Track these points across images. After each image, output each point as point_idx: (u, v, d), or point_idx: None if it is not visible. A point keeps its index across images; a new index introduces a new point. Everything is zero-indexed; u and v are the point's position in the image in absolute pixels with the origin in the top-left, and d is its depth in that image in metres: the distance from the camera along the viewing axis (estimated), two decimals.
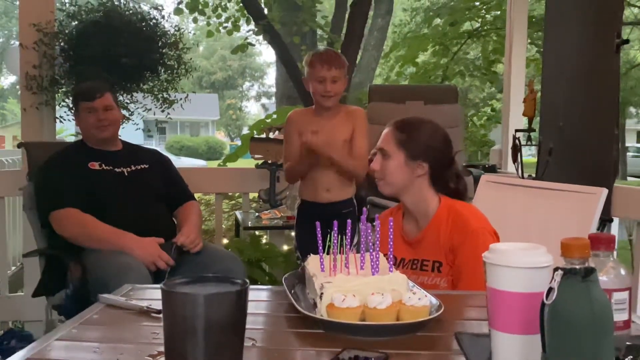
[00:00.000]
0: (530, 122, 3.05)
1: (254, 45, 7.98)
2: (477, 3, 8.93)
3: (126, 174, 2.42)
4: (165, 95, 3.66)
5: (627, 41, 2.74)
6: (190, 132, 32.03)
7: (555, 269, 0.82)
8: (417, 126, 1.77)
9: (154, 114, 3.71)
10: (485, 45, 9.05)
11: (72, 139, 4.33)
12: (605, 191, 1.96)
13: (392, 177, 1.75)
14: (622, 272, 0.96)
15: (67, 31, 3.41)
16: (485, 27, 9.06)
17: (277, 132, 3.60)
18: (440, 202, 1.75)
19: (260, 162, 3.45)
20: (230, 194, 5.74)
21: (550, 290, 0.81)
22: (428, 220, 1.74)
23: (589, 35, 2.78)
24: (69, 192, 2.28)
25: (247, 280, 0.85)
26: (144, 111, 3.63)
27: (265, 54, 35.26)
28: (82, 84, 2.69)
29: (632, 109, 19.18)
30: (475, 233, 1.64)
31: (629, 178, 17.24)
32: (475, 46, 10.15)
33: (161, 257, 2.17)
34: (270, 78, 35.53)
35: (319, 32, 8.40)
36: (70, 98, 3.33)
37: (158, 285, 0.85)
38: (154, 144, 26.82)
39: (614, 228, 2.81)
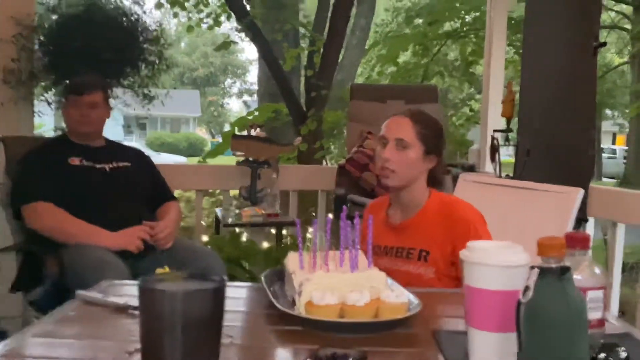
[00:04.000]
0: (508, 122, 3.08)
1: (236, 43, 7.95)
2: (457, 4, 8.98)
3: (107, 170, 2.39)
4: (145, 91, 3.61)
5: (604, 44, 2.78)
6: (170, 128, 31.79)
7: (532, 268, 0.82)
8: (431, 119, 1.78)
9: (134, 110, 3.67)
10: (464, 47, 9.11)
11: (51, 134, 4.27)
12: (581, 191, 1.99)
13: (406, 170, 1.72)
14: (597, 271, 0.97)
15: (46, 25, 3.36)
16: (465, 29, 9.12)
17: (258, 130, 3.59)
18: (430, 194, 1.76)
19: (241, 159, 3.44)
20: (210, 190, 5.71)
21: (526, 288, 0.82)
22: (417, 210, 1.75)
23: (568, 38, 2.81)
24: (44, 185, 2.25)
25: (225, 277, 0.84)
26: (124, 107, 3.59)
27: (248, 51, 35.11)
28: (76, 77, 2.64)
29: (608, 111, 19.44)
30: (475, 222, 1.68)
31: (603, 179, 17.49)
32: (455, 47, 10.21)
33: (132, 241, 2.16)
34: (253, 75, 35.40)
35: (302, 30, 8.38)
36: (50, 92, 3.28)
37: (136, 282, 0.85)
38: (134, 140, 26.55)
39: (590, 228, 2.85)
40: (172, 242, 2.28)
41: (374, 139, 1.87)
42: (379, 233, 1.81)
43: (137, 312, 0.83)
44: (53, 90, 3.41)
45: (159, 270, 1.33)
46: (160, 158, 16.66)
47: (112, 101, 3.51)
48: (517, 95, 3.14)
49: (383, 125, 1.78)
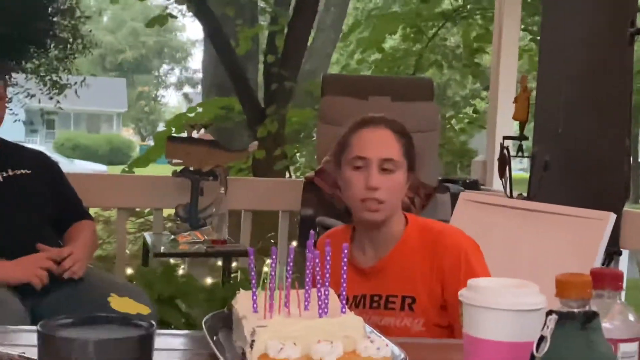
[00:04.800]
0: (522, 127, 3.12)
1: (175, 17, 7.92)
2: None
3: (0, 179, 2.35)
4: (55, 78, 3.58)
5: None
6: (87, 127, 31.45)
7: (549, 313, 0.83)
8: (405, 128, 1.79)
9: (40, 102, 3.62)
10: (467, 30, 9.24)
11: None
12: (613, 216, 2.02)
13: (396, 199, 1.72)
14: (631, 318, 0.98)
15: None
16: (468, 7, 9.25)
17: (202, 131, 3.57)
18: (407, 220, 1.77)
19: (179, 168, 3.41)
20: (137, 209, 5.66)
21: (541, 339, 0.82)
22: (392, 244, 1.74)
23: (597, 22, 2.87)
24: None
25: (154, 322, 0.83)
26: (26, 97, 3.53)
27: (190, 29, 35.06)
28: None
29: None
30: (466, 251, 1.68)
31: None
32: (457, 30, 10.36)
33: (37, 273, 2.12)
34: (196, 61, 35.31)
35: (261, 4, 8.41)
36: None
37: (34, 327, 0.83)
38: (38, 142, 26.20)
39: (623, 262, 2.89)
40: (82, 272, 2.25)
41: (335, 159, 1.80)
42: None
43: None
44: None
45: (113, 299, 1.31)
46: (73, 166, 16.45)
47: (9, 90, 3.46)
48: (534, 93, 3.19)
49: (354, 138, 1.73)
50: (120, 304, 1.19)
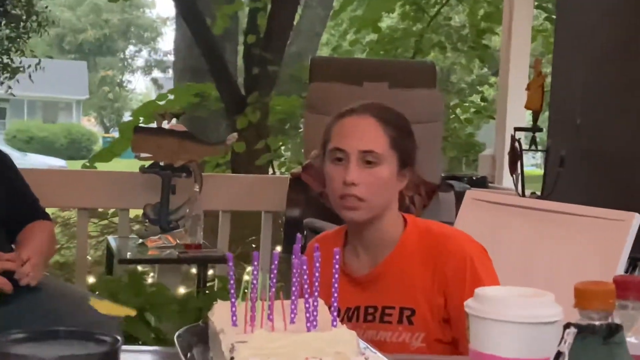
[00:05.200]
0: (535, 118, 3.14)
1: None
2: None
3: None
4: (6, 60, 3.56)
5: None
6: (43, 116, 31.31)
7: (567, 326, 0.83)
8: (399, 116, 1.77)
9: None
10: (474, 8, 9.27)
11: None
12: (638, 217, 2.03)
13: (380, 196, 1.70)
14: None
15: None
16: None
17: (174, 121, 3.57)
18: (406, 223, 1.77)
19: (147, 163, 3.41)
20: (100, 210, 5.64)
21: (558, 355, 0.83)
22: (389, 250, 1.74)
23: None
24: None
25: (119, 337, 0.83)
26: None
27: (161, 5, 34.96)
28: None
29: None
30: (472, 256, 1.67)
31: None
32: (462, 8, 10.38)
33: None
34: (167, 42, 35.23)
35: None
36: None
37: None
38: None
39: None
40: (36, 280, 2.24)
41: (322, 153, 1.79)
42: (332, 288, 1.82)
43: None
44: None
45: (94, 302, 1.30)
46: (26, 160, 16.37)
47: None
48: (549, 79, 3.20)
49: (334, 128, 1.74)
50: (103, 306, 1.19)
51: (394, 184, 1.73)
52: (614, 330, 0.82)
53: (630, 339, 0.90)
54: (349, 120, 1.73)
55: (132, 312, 1.29)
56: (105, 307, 1.33)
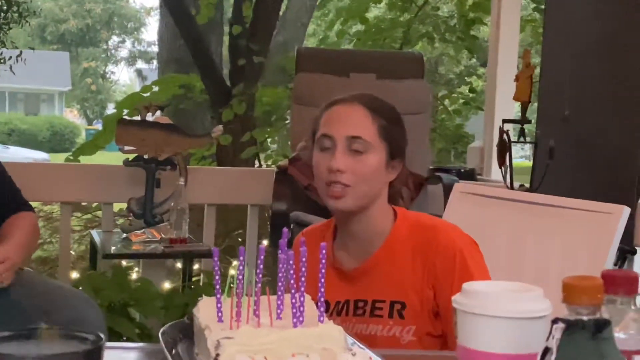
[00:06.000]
0: (524, 109, 3.14)
1: None
2: None
3: None
4: None
5: None
6: (25, 108, 31.15)
7: (554, 321, 0.84)
8: (391, 107, 1.78)
9: None
10: None
11: None
12: (627, 210, 2.04)
13: (367, 185, 1.71)
14: None
15: None
16: None
17: (158, 113, 3.55)
18: (396, 215, 1.77)
19: (131, 156, 3.40)
20: (84, 204, 5.62)
21: (546, 351, 0.83)
22: (379, 243, 1.75)
23: None
24: None
25: (103, 335, 0.83)
26: None
27: None
28: None
29: None
30: (462, 250, 1.68)
31: None
32: None
33: None
34: (151, 32, 35.10)
35: None
36: None
37: None
38: None
39: (638, 263, 2.92)
40: (9, 281, 2.22)
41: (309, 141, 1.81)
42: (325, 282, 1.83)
43: None
44: None
45: None
46: (8, 153, 16.29)
47: None
48: (538, 71, 3.21)
49: (322, 117, 1.75)
50: None
51: (381, 174, 1.73)
52: (602, 326, 0.82)
53: (618, 335, 0.90)
54: (338, 108, 1.74)
55: None
56: None
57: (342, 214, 1.75)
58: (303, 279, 1.18)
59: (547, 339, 0.83)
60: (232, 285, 1.19)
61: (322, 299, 1.19)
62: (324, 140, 1.71)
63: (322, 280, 1.20)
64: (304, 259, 1.18)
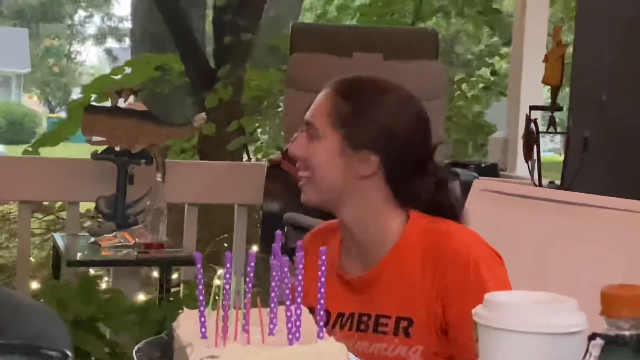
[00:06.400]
0: (554, 94, 3.15)
1: None
2: None
3: None
4: None
5: None
6: None
7: (592, 337, 0.84)
8: (372, 91, 1.79)
9: None
10: None
11: None
12: None
13: (321, 176, 1.75)
14: None
15: None
16: None
17: (131, 99, 3.55)
18: (408, 220, 1.77)
19: (100, 148, 3.40)
20: (45, 203, 5.62)
21: None
22: (386, 250, 1.75)
23: None
24: None
25: (69, 352, 0.83)
26: None
27: None
28: None
29: None
30: (477, 258, 1.67)
31: None
32: None
33: None
34: (123, 6, 35.07)
35: None
36: None
37: None
38: None
39: None
40: None
41: None
42: (326, 291, 1.83)
43: None
44: None
45: None
46: None
47: None
48: (570, 50, 3.21)
49: None
50: None
51: (338, 165, 1.75)
52: None
53: None
54: (320, 95, 1.80)
55: None
56: None
57: (321, 210, 1.83)
58: (300, 288, 1.18)
59: (584, 357, 0.83)
60: (217, 297, 1.19)
61: (322, 312, 1.19)
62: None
63: (322, 290, 1.20)
64: (300, 266, 1.18)
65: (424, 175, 1.79)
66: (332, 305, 1.74)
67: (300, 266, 1.19)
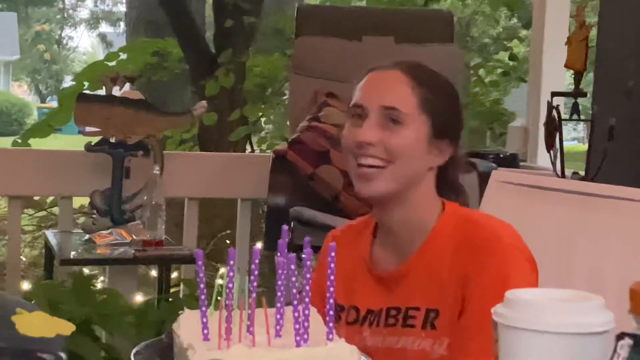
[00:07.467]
0: (578, 80, 3.14)
1: None
2: None
3: None
4: None
5: None
6: None
7: (620, 336, 0.84)
8: (441, 78, 1.81)
9: None
10: None
11: None
12: None
13: (404, 163, 1.72)
14: None
15: None
16: None
17: (127, 86, 3.56)
18: (443, 208, 1.78)
19: (94, 140, 3.40)
20: (36, 198, 5.64)
21: None
22: (421, 241, 1.76)
23: None
24: None
25: (63, 355, 0.83)
26: None
27: None
28: None
29: None
30: (503, 249, 1.68)
31: None
32: None
33: None
34: None
35: None
36: None
37: None
38: None
39: None
40: None
41: (340, 107, 1.82)
42: (355, 288, 1.81)
43: None
44: None
45: (19, 317, 1.30)
46: None
47: None
48: (594, 32, 3.20)
49: (358, 85, 1.78)
50: (30, 324, 1.18)
51: (422, 154, 1.75)
52: None
53: None
54: (373, 75, 1.77)
55: (68, 330, 1.28)
56: (32, 325, 1.31)
57: (376, 204, 1.78)
58: (308, 287, 1.18)
59: (611, 358, 0.83)
60: (219, 297, 1.19)
61: (332, 312, 1.19)
62: (355, 111, 1.74)
63: (332, 288, 1.20)
64: (308, 263, 1.18)
65: (457, 159, 1.83)
66: (362, 301, 1.76)
67: (308, 264, 1.19)
